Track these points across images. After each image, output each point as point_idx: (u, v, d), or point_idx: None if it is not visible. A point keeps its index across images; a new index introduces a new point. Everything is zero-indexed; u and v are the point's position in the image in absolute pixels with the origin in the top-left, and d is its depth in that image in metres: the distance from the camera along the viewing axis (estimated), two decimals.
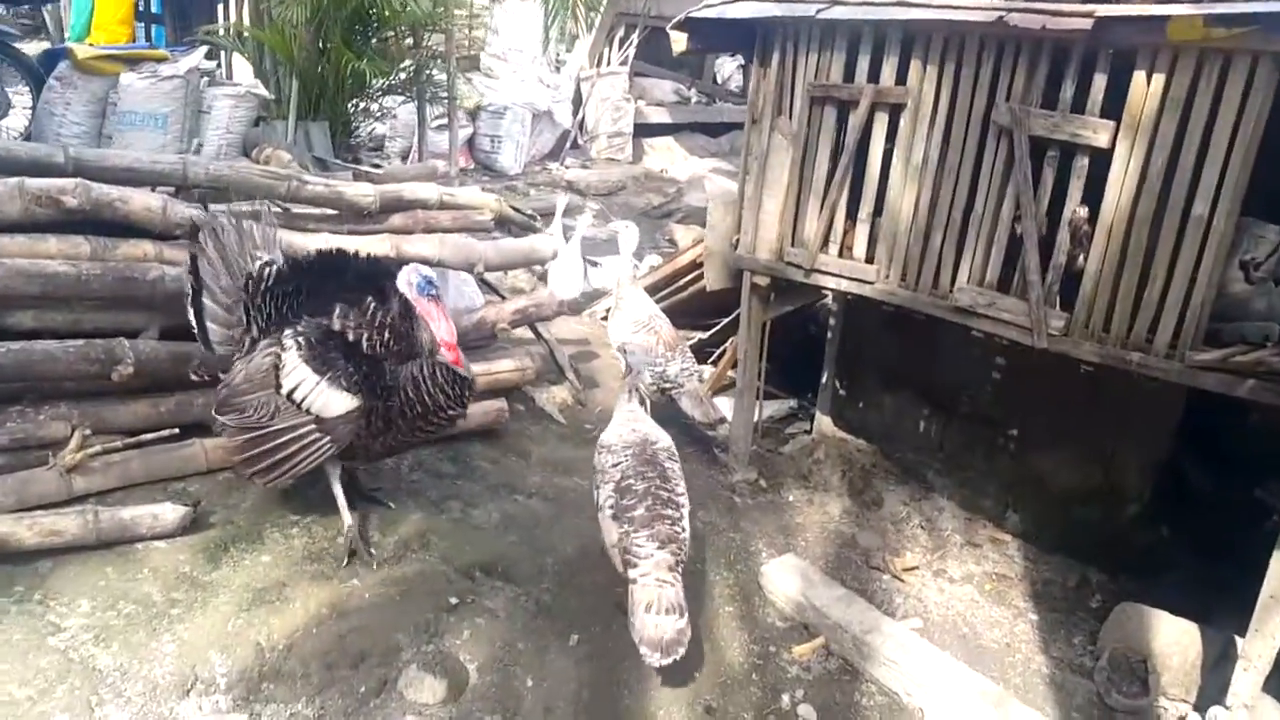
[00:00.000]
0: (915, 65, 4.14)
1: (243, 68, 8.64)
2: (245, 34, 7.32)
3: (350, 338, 3.62)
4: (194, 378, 3.92)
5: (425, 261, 4.83)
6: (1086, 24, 3.50)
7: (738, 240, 5.03)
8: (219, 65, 8.49)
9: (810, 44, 4.50)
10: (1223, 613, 4.01)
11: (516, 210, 6.00)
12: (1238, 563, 3.61)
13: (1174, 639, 3.89)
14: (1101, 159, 3.65)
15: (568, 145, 12.36)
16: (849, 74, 4.40)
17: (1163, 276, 3.53)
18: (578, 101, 12.57)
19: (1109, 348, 3.68)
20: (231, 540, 3.68)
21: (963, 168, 4.06)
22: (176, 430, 3.99)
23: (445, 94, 7.64)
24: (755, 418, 5.60)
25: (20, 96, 7.99)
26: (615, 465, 3.77)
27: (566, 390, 5.87)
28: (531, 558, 4.01)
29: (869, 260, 4.47)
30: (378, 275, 3.93)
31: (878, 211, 4.41)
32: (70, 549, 3.41)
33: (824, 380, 5.79)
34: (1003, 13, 3.72)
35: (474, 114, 11.39)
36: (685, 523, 3.64)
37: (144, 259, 4.28)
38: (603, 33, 12.83)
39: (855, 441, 5.69)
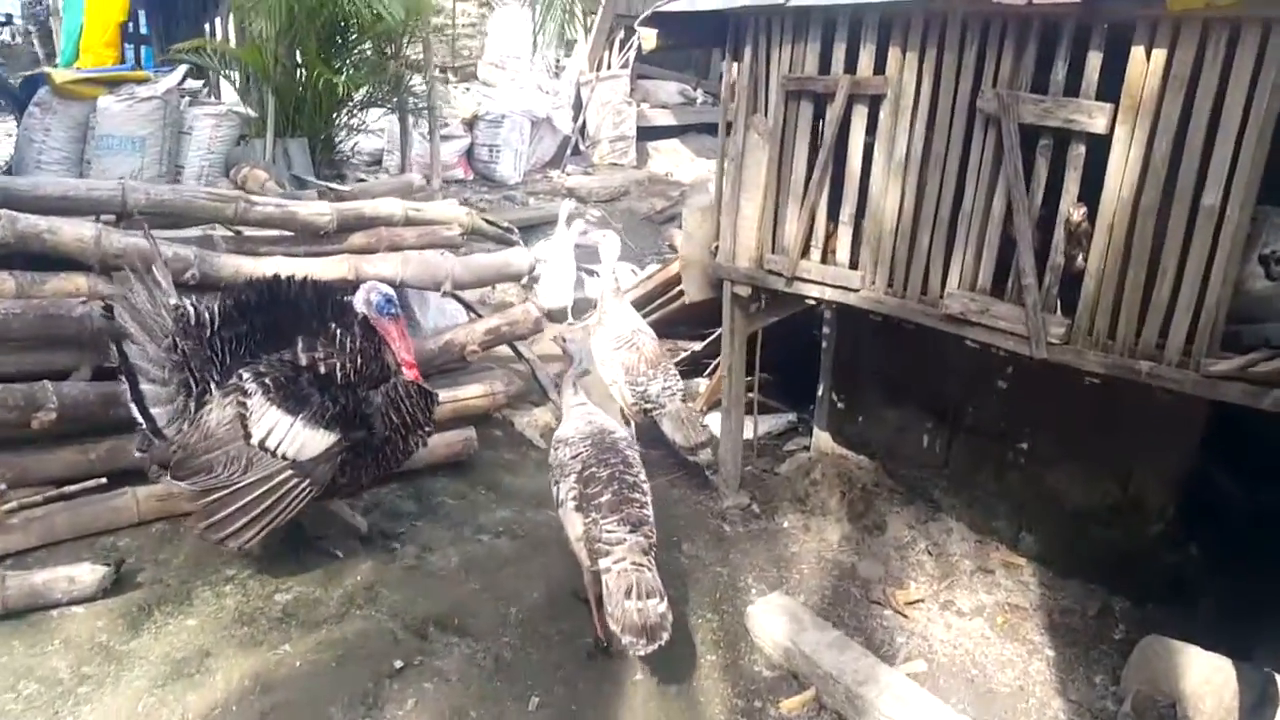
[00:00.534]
0: (894, 52, 3.78)
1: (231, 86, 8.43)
2: (218, 51, 7.05)
3: (322, 370, 3.46)
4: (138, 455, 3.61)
5: (387, 281, 4.56)
6: None
7: (716, 248, 4.68)
8: (206, 85, 8.27)
9: (784, 35, 4.16)
10: (1262, 645, 3.61)
11: (491, 223, 5.68)
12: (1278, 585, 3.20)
13: (1206, 678, 3.46)
14: (1099, 146, 3.27)
15: (569, 152, 12.04)
16: (825, 65, 4.05)
17: (1172, 275, 3.13)
18: (578, 107, 12.25)
19: (1115, 357, 3.29)
20: (157, 602, 3.39)
21: (949, 161, 3.69)
22: (104, 480, 3.71)
23: (426, 105, 7.34)
24: (748, 436, 5.26)
25: (5, 124, 7.87)
26: (575, 457, 3.61)
27: (549, 412, 5.55)
28: (492, 606, 3.69)
29: (853, 265, 4.10)
30: (333, 299, 3.74)
31: (860, 212, 4.05)
32: None
33: (820, 393, 5.42)
34: None
35: (471, 123, 11.12)
36: (651, 511, 3.53)
37: (76, 293, 4.03)
38: (601, 36, 12.50)
39: (856, 458, 5.31)
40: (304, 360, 3.44)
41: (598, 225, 10.86)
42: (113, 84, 7.13)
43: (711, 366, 6.18)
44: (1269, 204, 3.14)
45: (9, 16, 13.13)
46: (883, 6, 3.71)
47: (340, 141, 7.78)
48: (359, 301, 3.63)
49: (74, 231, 4.06)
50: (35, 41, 11.83)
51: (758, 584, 4.25)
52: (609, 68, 12.49)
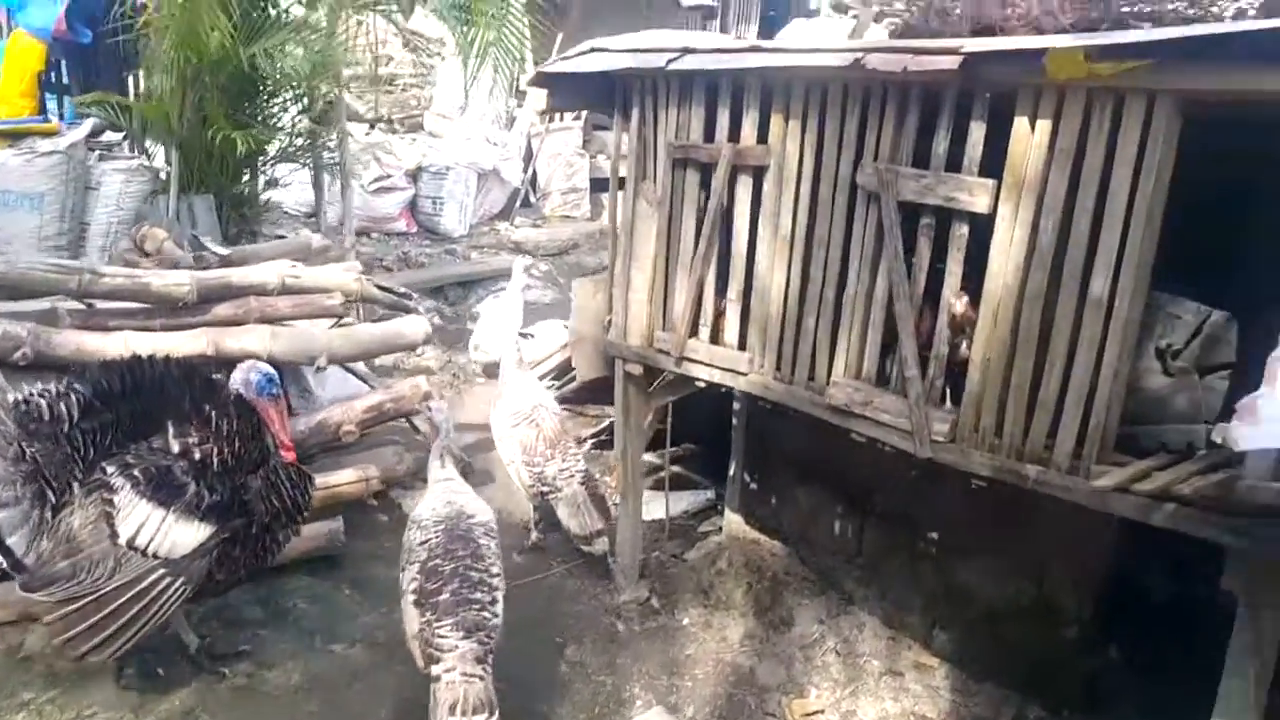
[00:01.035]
0: (776, 120, 3.50)
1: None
2: (118, 103, 6.77)
3: (197, 456, 3.23)
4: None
5: (252, 357, 4.25)
6: (954, 63, 2.84)
7: (610, 321, 4.37)
8: (126, 137, 7.98)
9: (669, 99, 3.88)
10: None
11: (385, 289, 5.36)
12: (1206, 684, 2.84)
13: None
14: (984, 226, 2.97)
15: (518, 204, 11.81)
16: (709, 132, 3.77)
17: (1060, 369, 2.82)
18: (529, 158, 12.05)
19: (1002, 458, 2.96)
20: None
21: (832, 239, 3.39)
22: None
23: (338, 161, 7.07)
24: (660, 516, 4.92)
25: None
26: (423, 543, 3.46)
27: None
28: None
29: (741, 347, 3.79)
30: (203, 378, 3.50)
31: (748, 291, 3.75)
32: None
33: (732, 472, 5.09)
34: (860, 55, 3.07)
35: (415, 175, 10.89)
36: (498, 607, 3.37)
37: None
38: None
39: (769, 544, 4.96)
40: (176, 447, 3.23)
41: (544, 279, 10.63)
42: (17, 136, 6.88)
43: None
44: (1163, 289, 2.85)
45: None
46: (761, 71, 3.44)
47: (253, 197, 7.46)
48: (237, 381, 3.45)
49: None
50: None
51: (645, 694, 3.90)
52: (560, 119, 12.29)
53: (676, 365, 4.00)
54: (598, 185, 12.66)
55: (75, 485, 3.14)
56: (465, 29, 6.87)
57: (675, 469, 5.65)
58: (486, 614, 3.27)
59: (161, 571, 3.11)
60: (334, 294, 4.82)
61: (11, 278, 4.10)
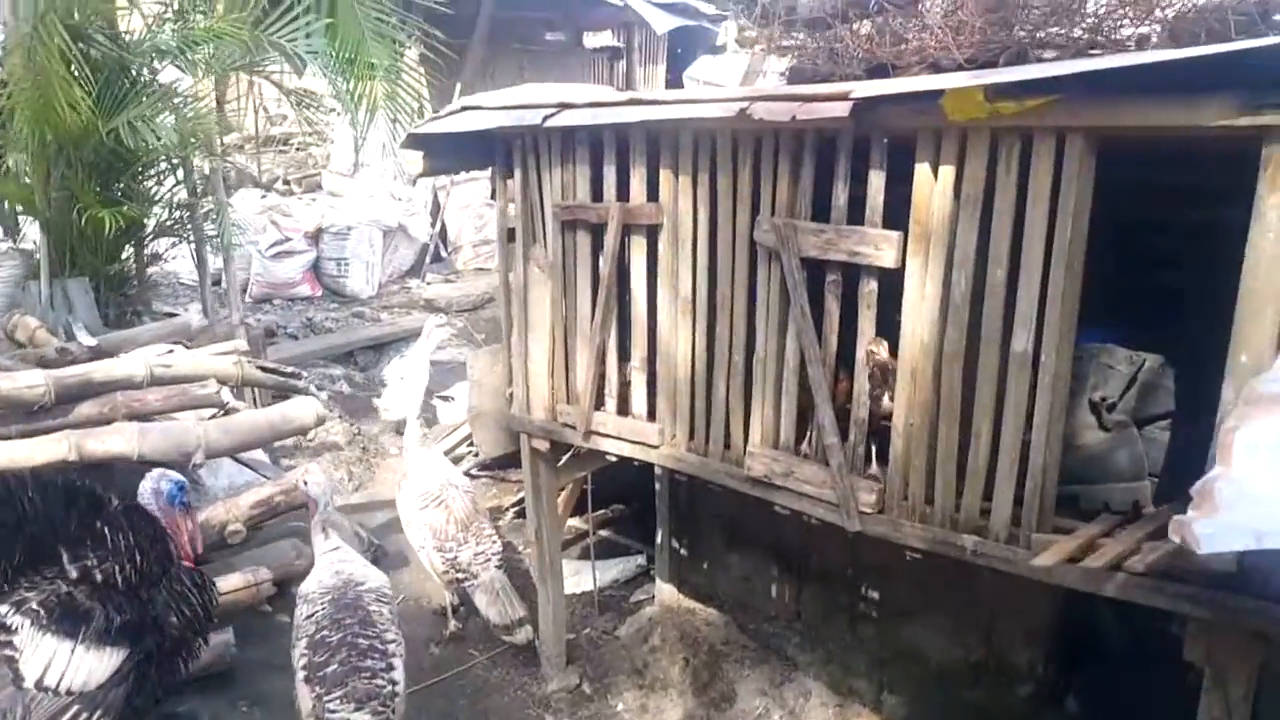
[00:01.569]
0: (665, 176, 3.26)
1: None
2: None
3: (99, 577, 2.99)
4: None
5: (119, 458, 3.88)
6: (844, 109, 2.63)
7: (511, 395, 4.07)
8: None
9: (552, 157, 3.63)
10: None
11: (270, 369, 4.99)
12: None
13: None
14: (895, 279, 2.75)
15: (428, 260, 11.43)
16: (597, 191, 3.51)
17: (988, 432, 2.60)
18: (436, 211, 11.69)
19: (935, 528, 2.73)
20: None
21: (735, 300, 3.15)
22: None
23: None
24: (589, 588, 4.60)
25: None
26: (309, 617, 3.29)
27: None
28: None
29: (651, 417, 3.52)
30: (85, 492, 3.22)
31: (653, 357, 3.48)
32: None
33: (660, 540, 4.80)
34: (745, 104, 2.84)
35: (316, 236, 10.47)
36: (397, 674, 3.20)
37: None
38: None
39: (704, 612, 4.67)
40: (74, 571, 2.98)
41: (460, 336, 10.26)
42: None
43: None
44: (1092, 340, 2.65)
45: None
46: (644, 124, 3.19)
47: (138, 274, 7.01)
48: (145, 492, 3.22)
49: None
50: None
51: None
52: (465, 170, 11.97)
53: (584, 440, 3.72)
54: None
55: None
56: (351, 84, 6.51)
57: (602, 533, 5.35)
58: (380, 681, 3.10)
59: (77, 708, 2.90)
60: (208, 381, 4.42)
61: None
